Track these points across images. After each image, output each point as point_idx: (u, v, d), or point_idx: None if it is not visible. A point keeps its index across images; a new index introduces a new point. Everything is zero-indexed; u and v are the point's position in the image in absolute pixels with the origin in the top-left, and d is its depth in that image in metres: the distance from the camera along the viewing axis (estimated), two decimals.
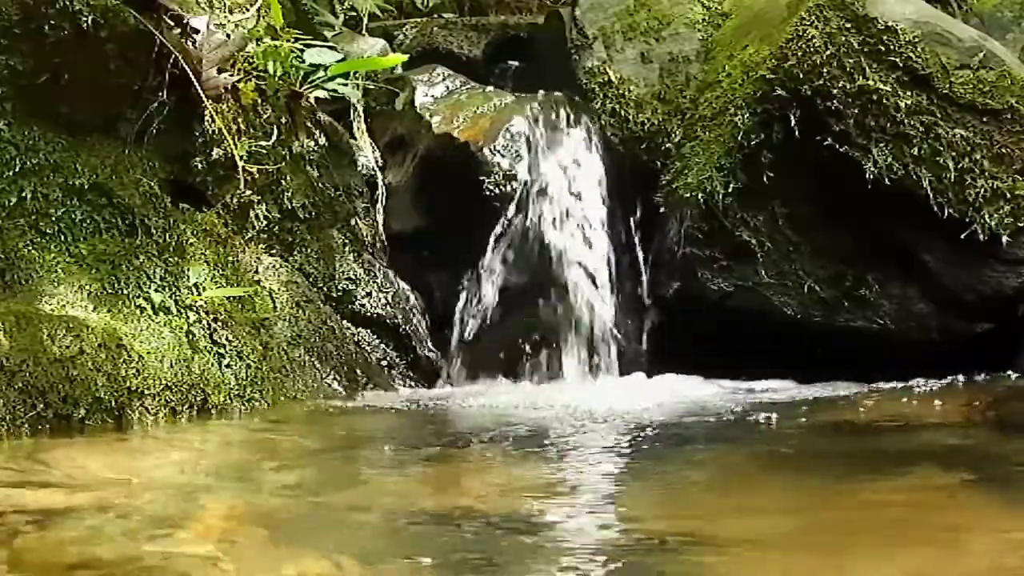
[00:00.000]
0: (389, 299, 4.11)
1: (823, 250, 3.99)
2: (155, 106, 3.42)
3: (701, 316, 4.06)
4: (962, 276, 3.88)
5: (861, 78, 3.83)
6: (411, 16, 5.35)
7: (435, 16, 5.32)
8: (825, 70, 3.85)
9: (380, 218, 4.25)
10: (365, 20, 4.66)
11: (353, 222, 4.09)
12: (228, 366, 3.45)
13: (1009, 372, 3.79)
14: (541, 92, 4.50)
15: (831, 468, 2.82)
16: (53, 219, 3.26)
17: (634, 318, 4.25)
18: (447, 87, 4.58)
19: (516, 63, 4.91)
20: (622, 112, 4.38)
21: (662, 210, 4.20)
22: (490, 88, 4.62)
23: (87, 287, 3.23)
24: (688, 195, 4.08)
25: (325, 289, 3.94)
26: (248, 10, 3.75)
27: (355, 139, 4.31)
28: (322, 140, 4.03)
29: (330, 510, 2.40)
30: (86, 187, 3.32)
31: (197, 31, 3.39)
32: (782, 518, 2.34)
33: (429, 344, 4.21)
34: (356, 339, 3.98)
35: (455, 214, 4.25)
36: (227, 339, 3.48)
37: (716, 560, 2.02)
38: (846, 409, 3.47)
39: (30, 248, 3.21)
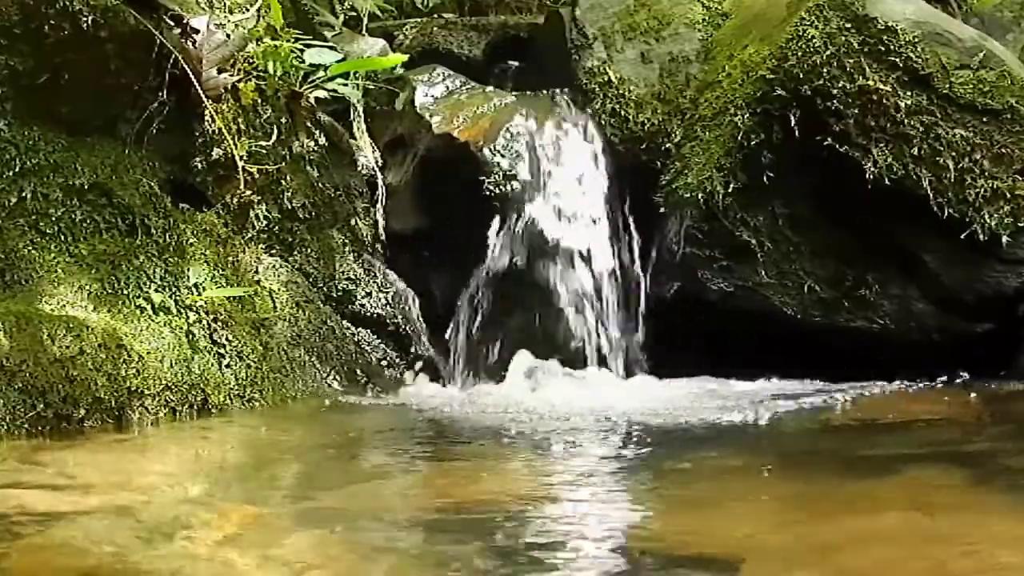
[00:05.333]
0: (389, 299, 4.11)
1: (823, 250, 3.99)
2: (155, 106, 3.41)
3: (701, 316, 4.06)
4: (962, 276, 3.88)
5: (861, 78, 3.83)
6: (411, 16, 5.35)
7: (435, 16, 5.32)
8: (825, 70, 3.85)
9: (380, 218, 4.24)
10: (365, 20, 4.66)
11: (353, 222, 4.08)
12: (228, 366, 3.45)
13: (1009, 372, 3.79)
14: (545, 91, 4.51)
15: (831, 468, 2.82)
16: (53, 219, 3.26)
17: (634, 319, 4.25)
18: (447, 87, 4.58)
19: (516, 63, 4.90)
20: (622, 112, 4.38)
21: (662, 210, 4.20)
22: (490, 88, 4.62)
23: (87, 287, 3.23)
24: (688, 195, 4.08)
25: (325, 289, 3.94)
26: (248, 10, 3.74)
27: (355, 139, 4.30)
28: (322, 140, 4.03)
29: (331, 507, 2.40)
30: (86, 187, 3.32)
31: (197, 31, 3.39)
32: (782, 517, 2.34)
33: (429, 344, 4.21)
34: (356, 339, 3.97)
35: (455, 214, 4.24)
36: (227, 339, 3.47)
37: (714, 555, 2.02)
38: (846, 409, 3.47)
39: (30, 248, 3.21)
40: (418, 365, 4.13)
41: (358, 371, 3.91)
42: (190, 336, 3.37)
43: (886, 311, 3.96)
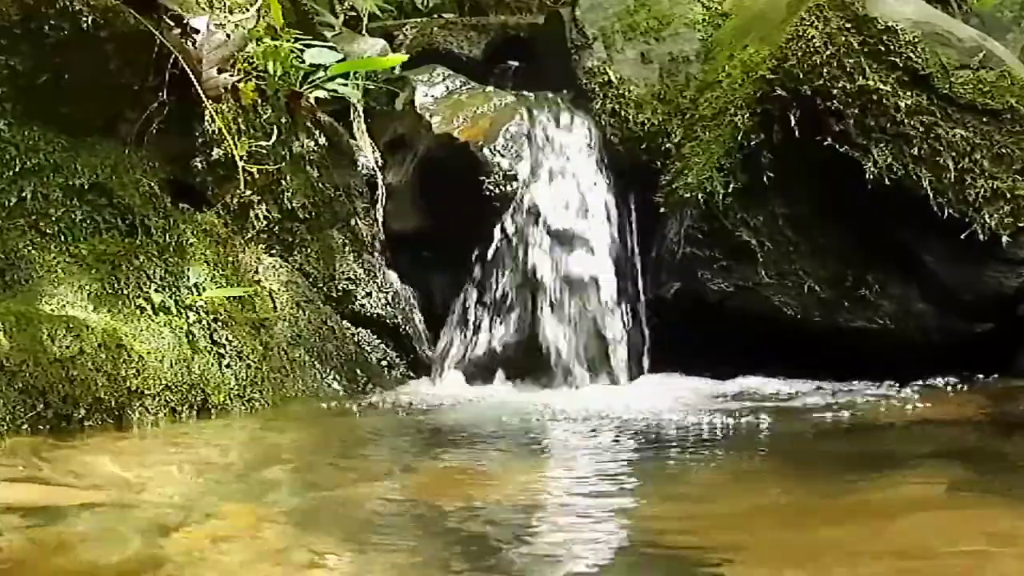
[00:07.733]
0: (389, 299, 4.11)
1: (823, 250, 3.99)
2: (155, 106, 3.42)
3: (701, 316, 4.06)
4: (962, 276, 3.88)
5: (861, 78, 3.83)
6: (411, 16, 5.35)
7: (435, 16, 5.32)
8: (825, 70, 3.85)
9: (380, 218, 4.24)
10: (365, 20, 4.66)
11: (353, 222, 4.09)
12: (228, 366, 3.45)
13: (1009, 372, 3.79)
14: (546, 91, 4.51)
15: (831, 468, 2.82)
16: (53, 219, 3.26)
17: (635, 318, 4.25)
18: (447, 87, 4.57)
19: (516, 63, 4.90)
20: (622, 112, 4.38)
21: (662, 210, 4.20)
22: (490, 88, 4.62)
23: (87, 287, 3.24)
24: (688, 195, 4.08)
25: (325, 289, 3.94)
26: (248, 10, 3.74)
27: (355, 139, 4.31)
28: (322, 140, 4.03)
29: (329, 507, 2.40)
30: (86, 187, 3.32)
31: (197, 31, 3.39)
32: (781, 515, 2.34)
33: (429, 344, 4.21)
34: (356, 339, 3.98)
35: (455, 214, 4.24)
36: (227, 339, 3.48)
37: (712, 556, 2.03)
38: (846, 409, 3.47)
39: (30, 248, 3.21)
40: (418, 365, 4.14)
41: (358, 371, 3.92)
42: (190, 336, 3.38)
43: (886, 311, 3.95)
